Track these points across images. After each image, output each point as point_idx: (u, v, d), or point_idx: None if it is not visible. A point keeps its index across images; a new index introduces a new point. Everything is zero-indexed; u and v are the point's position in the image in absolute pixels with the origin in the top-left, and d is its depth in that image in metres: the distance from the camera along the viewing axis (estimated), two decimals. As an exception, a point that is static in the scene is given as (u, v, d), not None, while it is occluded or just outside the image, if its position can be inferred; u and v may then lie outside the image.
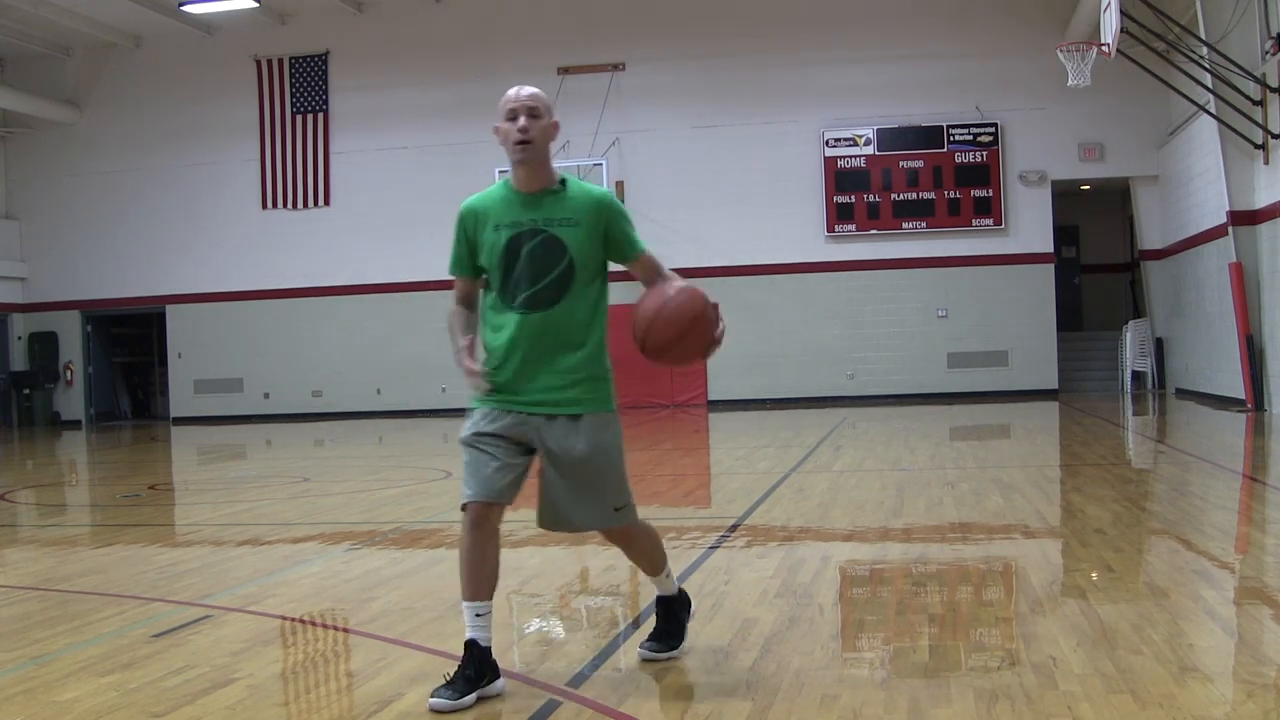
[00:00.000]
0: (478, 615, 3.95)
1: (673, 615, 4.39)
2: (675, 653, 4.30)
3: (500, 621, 5.15)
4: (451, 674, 3.90)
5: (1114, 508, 7.75)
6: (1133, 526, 7.13)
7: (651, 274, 4.17)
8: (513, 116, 4.01)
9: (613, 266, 4.18)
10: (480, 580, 3.96)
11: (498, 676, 3.97)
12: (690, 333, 3.99)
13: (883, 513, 7.87)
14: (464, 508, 3.99)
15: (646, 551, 4.32)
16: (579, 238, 4.02)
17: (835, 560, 6.31)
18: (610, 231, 4.09)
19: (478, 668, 3.89)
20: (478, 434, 4.02)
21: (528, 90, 4.04)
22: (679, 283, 4.07)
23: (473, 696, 3.85)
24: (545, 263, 4.01)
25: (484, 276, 4.17)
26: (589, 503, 4.08)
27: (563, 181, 4.10)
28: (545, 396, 4.02)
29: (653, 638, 4.35)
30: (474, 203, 4.16)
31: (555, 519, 4.13)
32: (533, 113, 4.01)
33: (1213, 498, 8.47)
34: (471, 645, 3.92)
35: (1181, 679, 3.83)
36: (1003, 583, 5.61)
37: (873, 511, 7.94)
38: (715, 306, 4.04)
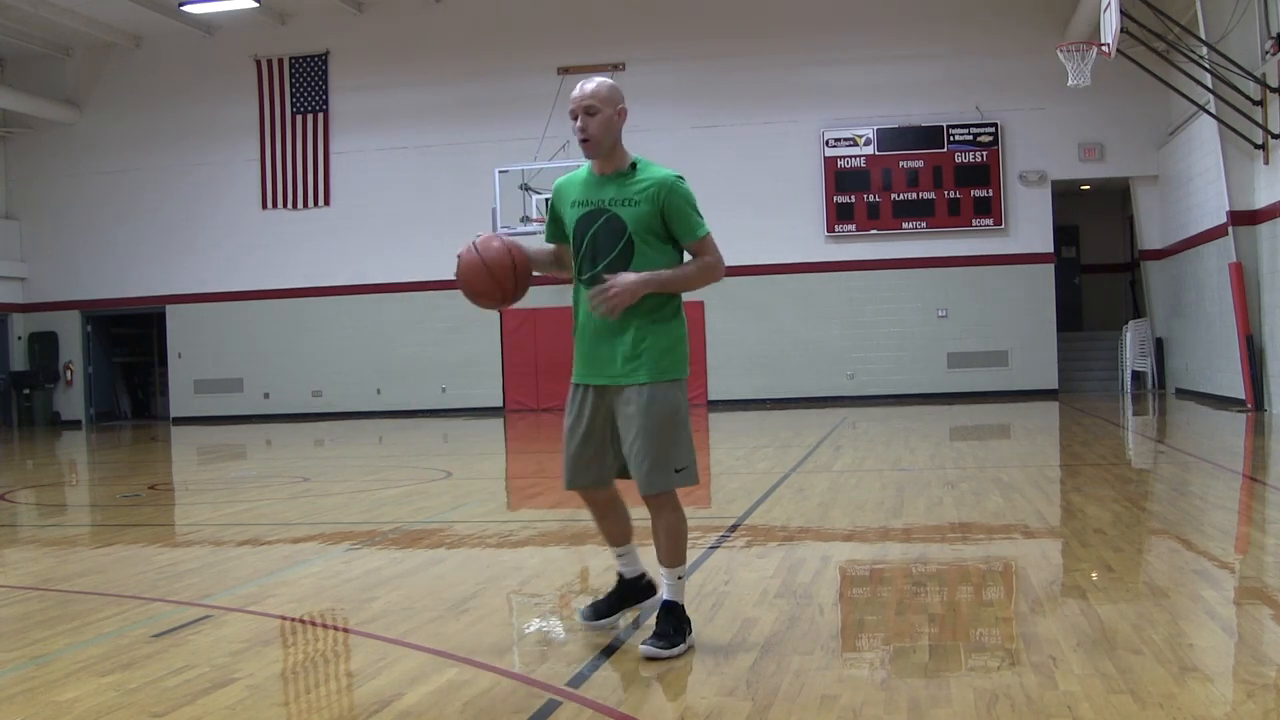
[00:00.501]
0: (618, 555, 4.73)
1: (675, 617, 4.39)
2: (676, 652, 4.30)
3: (500, 621, 5.18)
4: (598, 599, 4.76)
5: (1114, 508, 7.75)
6: (1133, 526, 7.13)
7: (693, 257, 4.42)
8: (574, 117, 4.31)
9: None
10: (610, 535, 4.70)
11: (649, 595, 4.68)
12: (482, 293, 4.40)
13: (883, 513, 7.87)
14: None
15: (675, 533, 4.40)
16: (639, 218, 4.31)
17: (835, 560, 6.30)
18: (667, 211, 4.33)
19: (622, 595, 4.69)
20: (569, 428, 4.49)
21: (589, 87, 4.33)
22: (496, 244, 4.40)
23: (614, 618, 4.66)
24: (607, 241, 4.35)
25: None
26: (649, 463, 4.30)
27: (634, 164, 4.37)
28: (610, 368, 4.34)
29: (654, 637, 4.35)
30: (561, 182, 4.58)
31: (633, 476, 4.42)
32: (589, 110, 4.31)
33: (1213, 498, 8.46)
34: (619, 577, 4.72)
35: (1181, 679, 3.83)
36: (1003, 583, 5.61)
37: (873, 511, 7.94)
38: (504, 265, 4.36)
